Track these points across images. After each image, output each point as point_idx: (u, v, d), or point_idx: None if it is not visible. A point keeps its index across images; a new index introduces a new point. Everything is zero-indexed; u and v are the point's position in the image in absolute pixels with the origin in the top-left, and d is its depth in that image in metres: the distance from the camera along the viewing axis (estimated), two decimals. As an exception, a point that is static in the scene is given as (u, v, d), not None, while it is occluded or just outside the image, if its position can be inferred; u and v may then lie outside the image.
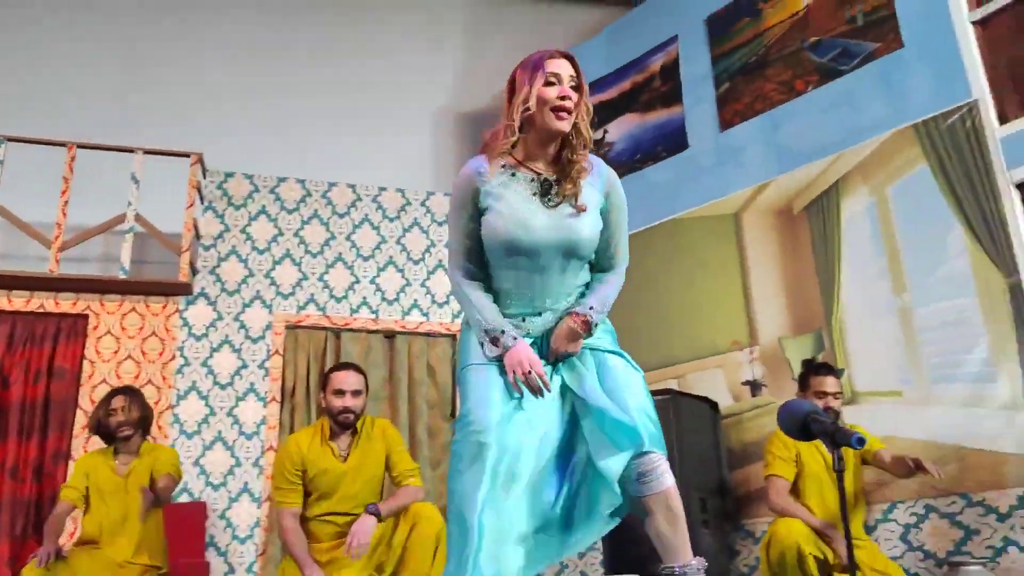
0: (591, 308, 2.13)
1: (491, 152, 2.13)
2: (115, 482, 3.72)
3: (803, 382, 3.73)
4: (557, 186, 2.11)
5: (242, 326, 5.58)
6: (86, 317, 5.32)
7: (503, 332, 2.08)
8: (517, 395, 2.06)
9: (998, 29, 4.23)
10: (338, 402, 3.42)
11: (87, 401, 5.09)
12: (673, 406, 4.28)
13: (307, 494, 3.41)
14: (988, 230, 4.00)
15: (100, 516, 3.69)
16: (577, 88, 2.11)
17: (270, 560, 5.10)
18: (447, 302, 6.04)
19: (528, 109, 2.07)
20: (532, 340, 2.15)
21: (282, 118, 6.24)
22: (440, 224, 6.22)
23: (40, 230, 5.19)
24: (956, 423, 3.92)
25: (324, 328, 5.74)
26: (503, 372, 2.08)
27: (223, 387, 5.42)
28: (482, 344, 2.11)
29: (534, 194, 2.11)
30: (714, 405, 4.81)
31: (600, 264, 2.24)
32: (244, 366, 5.49)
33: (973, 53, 4.23)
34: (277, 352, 5.57)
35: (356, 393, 3.46)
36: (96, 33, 6.17)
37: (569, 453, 2.11)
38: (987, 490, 3.78)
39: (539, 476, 2.05)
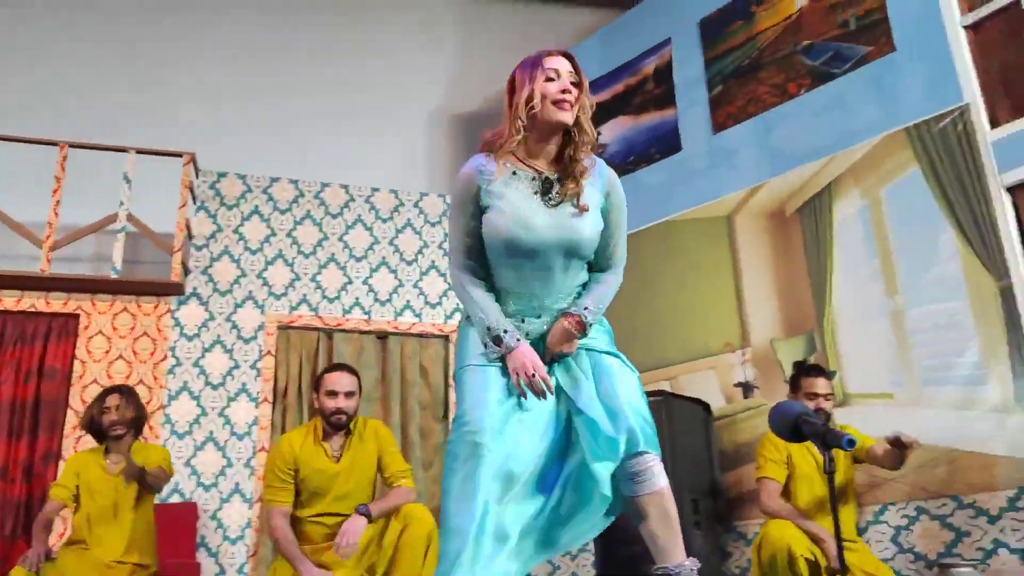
0: (586, 308, 2.12)
1: (498, 151, 2.12)
2: (106, 481, 3.70)
3: (794, 384, 3.72)
4: (559, 185, 2.10)
5: (234, 326, 5.57)
6: (77, 317, 5.30)
7: (506, 332, 2.07)
8: (515, 396, 2.05)
9: (990, 33, 4.26)
10: (331, 403, 3.41)
11: (78, 401, 5.06)
12: (665, 407, 4.29)
13: (298, 494, 3.40)
14: (979, 233, 4.02)
15: (90, 515, 3.67)
16: (577, 84, 2.10)
17: (261, 561, 5.09)
18: (440, 303, 6.04)
19: (533, 108, 2.06)
20: (531, 340, 2.14)
21: (275, 119, 6.24)
22: (433, 225, 6.21)
23: (32, 229, 5.17)
24: (947, 425, 3.94)
25: (316, 329, 5.73)
26: (502, 372, 2.08)
27: (215, 387, 5.40)
28: (485, 344, 2.09)
29: (535, 193, 2.10)
30: (706, 407, 4.82)
31: (598, 264, 2.22)
32: (236, 366, 5.48)
33: (965, 57, 4.25)
34: (269, 352, 5.56)
35: (349, 394, 3.44)
36: (95, 33, 6.17)
37: (565, 453, 2.10)
38: (978, 492, 3.79)
39: (534, 476, 2.05)
